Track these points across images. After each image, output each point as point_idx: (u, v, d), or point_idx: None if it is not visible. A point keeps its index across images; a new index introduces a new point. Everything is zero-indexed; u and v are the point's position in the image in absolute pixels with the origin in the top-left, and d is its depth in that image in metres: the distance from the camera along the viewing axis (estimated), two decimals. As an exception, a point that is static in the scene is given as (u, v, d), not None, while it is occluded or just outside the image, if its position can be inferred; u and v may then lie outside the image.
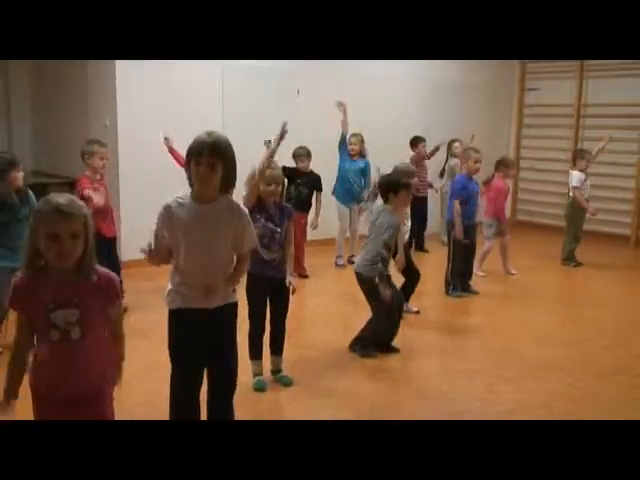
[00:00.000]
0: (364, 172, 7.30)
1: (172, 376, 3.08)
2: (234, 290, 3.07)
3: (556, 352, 4.87)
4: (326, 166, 7.32)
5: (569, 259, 7.64)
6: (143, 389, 3.95)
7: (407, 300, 5.63)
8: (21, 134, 8.56)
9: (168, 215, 2.88)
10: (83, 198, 5.26)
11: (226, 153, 2.86)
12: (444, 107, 9.44)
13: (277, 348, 4.23)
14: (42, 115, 8.44)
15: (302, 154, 6.85)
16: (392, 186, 4.75)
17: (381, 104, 8.62)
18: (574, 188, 7.48)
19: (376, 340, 4.72)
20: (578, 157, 7.61)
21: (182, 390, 3.08)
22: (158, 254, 2.93)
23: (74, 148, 6.79)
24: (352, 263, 7.11)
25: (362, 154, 7.37)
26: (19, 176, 4.53)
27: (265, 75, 7.51)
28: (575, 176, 7.48)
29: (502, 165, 7.04)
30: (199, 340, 2.99)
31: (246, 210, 3.04)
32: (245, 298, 3.95)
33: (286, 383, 4.18)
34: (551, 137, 9.98)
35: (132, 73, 6.64)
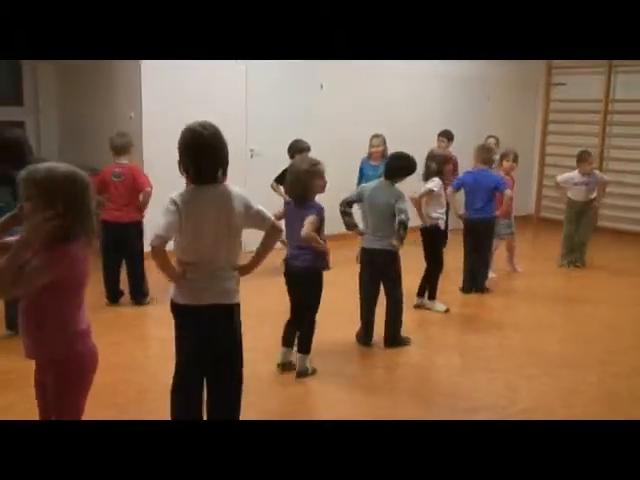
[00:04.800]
0: None
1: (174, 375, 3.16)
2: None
3: (576, 351, 4.85)
4: (348, 162, 7.31)
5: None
6: (167, 380, 4.00)
7: (423, 295, 5.67)
8: (48, 126, 8.65)
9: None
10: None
11: None
12: (469, 102, 9.39)
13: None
14: (69, 107, 8.52)
15: (305, 148, 6.39)
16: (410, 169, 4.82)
17: (405, 99, 8.60)
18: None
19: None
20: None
21: (180, 395, 3.13)
22: None
23: (99, 139, 6.87)
24: None
25: (385, 156, 7.23)
26: None
27: (289, 70, 7.52)
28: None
29: (499, 158, 6.85)
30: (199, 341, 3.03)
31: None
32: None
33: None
34: (577, 133, 9.87)
35: (157, 67, 6.68)
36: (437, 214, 5.58)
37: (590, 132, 9.75)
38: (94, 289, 5.22)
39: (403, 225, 4.57)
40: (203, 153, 2.85)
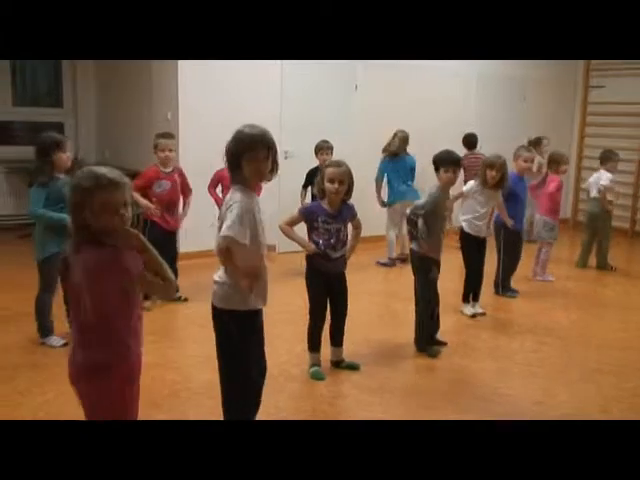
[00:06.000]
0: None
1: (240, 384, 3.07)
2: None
3: (615, 357, 4.76)
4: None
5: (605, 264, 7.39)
6: (200, 379, 4.04)
7: (465, 300, 5.62)
8: (87, 127, 8.81)
9: (253, 210, 2.90)
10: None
11: (274, 144, 2.91)
12: (504, 103, 9.30)
13: (338, 339, 4.28)
14: (107, 108, 8.67)
15: (325, 147, 6.53)
16: (434, 163, 4.68)
17: (440, 99, 8.55)
18: (605, 187, 7.24)
19: (425, 330, 4.70)
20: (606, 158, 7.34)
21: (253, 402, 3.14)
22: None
23: (137, 140, 6.99)
24: (402, 261, 7.09)
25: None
26: (64, 157, 4.40)
27: (324, 70, 7.52)
28: (604, 175, 7.26)
29: (552, 161, 6.85)
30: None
31: None
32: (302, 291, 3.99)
33: (355, 367, 4.29)
34: (616, 136, 9.68)
35: (194, 68, 6.76)
36: (462, 217, 5.57)
37: (629, 135, 9.57)
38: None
39: (410, 223, 4.60)
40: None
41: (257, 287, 2.94)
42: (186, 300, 5.62)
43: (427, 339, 4.71)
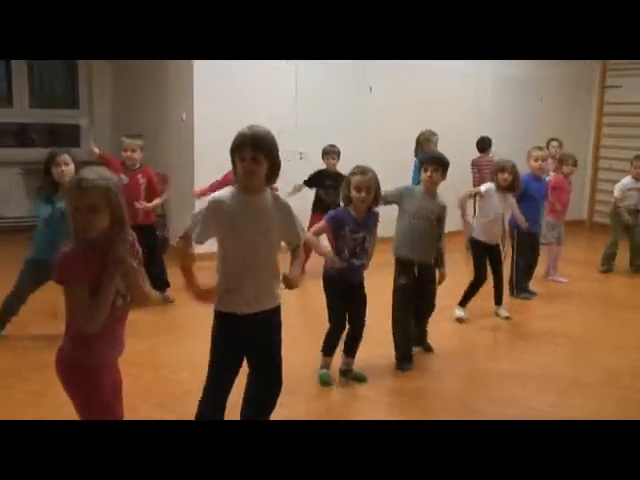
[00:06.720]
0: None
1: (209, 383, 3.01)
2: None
3: (631, 358, 4.73)
4: (397, 164, 7.27)
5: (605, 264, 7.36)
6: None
7: (462, 304, 5.49)
8: (102, 128, 8.84)
9: (218, 207, 2.80)
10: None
11: (267, 145, 2.78)
12: (521, 103, 9.26)
13: (352, 350, 4.20)
14: (122, 109, 8.70)
15: (331, 151, 6.43)
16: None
17: (456, 99, 8.53)
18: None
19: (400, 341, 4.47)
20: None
21: (215, 398, 3.00)
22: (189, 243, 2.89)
23: (152, 141, 6.99)
24: None
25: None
26: (58, 171, 4.47)
27: (338, 71, 7.52)
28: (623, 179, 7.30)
29: (558, 162, 6.84)
30: (245, 344, 2.96)
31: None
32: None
33: (361, 379, 4.19)
34: (633, 137, 9.60)
35: (209, 69, 6.77)
36: (475, 222, 5.54)
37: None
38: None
39: None
40: None
41: (235, 293, 2.88)
42: (172, 302, 5.61)
43: (405, 352, 4.46)
